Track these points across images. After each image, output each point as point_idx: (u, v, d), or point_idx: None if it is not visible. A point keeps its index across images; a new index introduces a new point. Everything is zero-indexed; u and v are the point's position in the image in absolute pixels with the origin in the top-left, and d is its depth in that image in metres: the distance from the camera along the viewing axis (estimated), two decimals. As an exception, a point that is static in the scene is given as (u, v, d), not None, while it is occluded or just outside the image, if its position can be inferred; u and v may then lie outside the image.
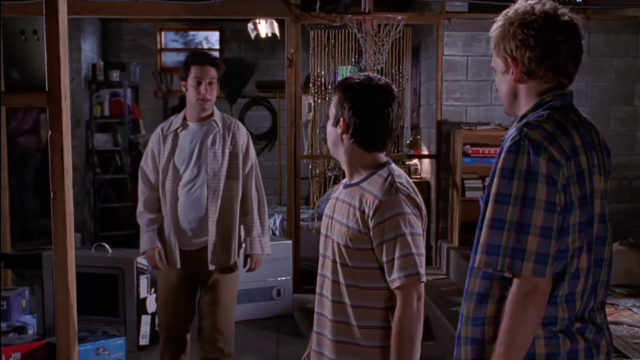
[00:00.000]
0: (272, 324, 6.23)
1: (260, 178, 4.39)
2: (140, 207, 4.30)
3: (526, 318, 1.94)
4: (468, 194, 7.11)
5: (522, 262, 1.91)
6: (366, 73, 2.59)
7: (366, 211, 2.42)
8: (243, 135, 4.30)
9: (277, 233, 8.09)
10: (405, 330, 2.40)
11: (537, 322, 1.96)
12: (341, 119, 2.50)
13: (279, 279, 6.51)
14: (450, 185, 7.48)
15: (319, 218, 7.46)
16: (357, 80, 2.51)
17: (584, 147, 2.04)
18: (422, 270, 2.43)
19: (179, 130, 4.22)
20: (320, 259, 2.63)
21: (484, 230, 1.98)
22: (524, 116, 2.11)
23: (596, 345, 2.07)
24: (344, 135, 2.52)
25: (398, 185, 2.46)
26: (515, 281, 1.94)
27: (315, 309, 2.64)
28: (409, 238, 2.40)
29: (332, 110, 2.55)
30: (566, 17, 2.10)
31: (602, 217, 2.11)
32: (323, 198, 7.83)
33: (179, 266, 4.21)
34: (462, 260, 6.69)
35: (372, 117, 2.49)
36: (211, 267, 4.19)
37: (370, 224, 2.41)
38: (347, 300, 2.48)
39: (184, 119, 4.25)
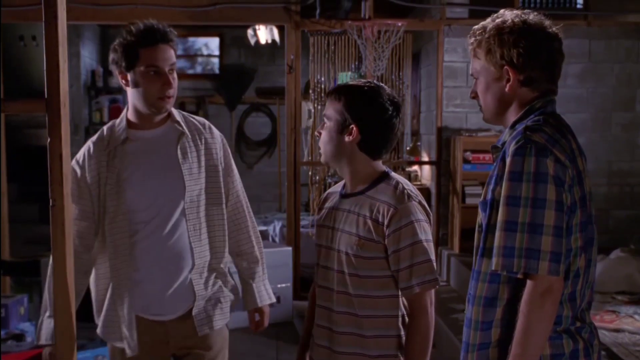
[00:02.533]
0: (272, 331, 6.19)
1: (246, 197, 3.19)
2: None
3: (543, 317, 1.97)
4: (468, 201, 7.11)
5: (538, 262, 1.94)
6: (368, 80, 2.56)
7: (380, 220, 2.41)
8: (218, 139, 3.04)
9: (277, 240, 8.07)
10: (422, 336, 2.41)
11: (552, 321, 2.00)
12: (352, 127, 2.46)
13: (279, 285, 6.49)
14: (451, 191, 7.47)
15: (319, 225, 7.44)
16: (366, 88, 2.48)
17: (578, 150, 2.11)
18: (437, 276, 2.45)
19: (125, 145, 2.88)
20: (321, 270, 2.58)
21: (497, 233, 2.00)
22: (515, 123, 2.15)
23: (591, 344, 2.12)
24: (352, 143, 2.48)
25: (409, 192, 2.46)
26: (530, 281, 1.97)
27: (316, 321, 2.62)
28: (425, 245, 2.41)
29: (335, 117, 2.49)
30: (553, 28, 2.17)
31: (592, 219, 2.15)
32: (323, 204, 7.80)
33: (137, 352, 2.87)
34: (462, 267, 6.66)
35: (385, 126, 2.48)
36: (202, 332, 2.92)
37: (386, 232, 2.40)
38: (356, 311, 2.46)
39: (128, 126, 2.92)
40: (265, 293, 3.26)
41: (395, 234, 2.39)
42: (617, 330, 4.95)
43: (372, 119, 2.46)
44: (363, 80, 2.54)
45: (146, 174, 2.85)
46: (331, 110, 2.51)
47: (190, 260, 2.88)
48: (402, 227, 2.39)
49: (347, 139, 2.47)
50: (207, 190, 2.95)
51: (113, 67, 2.93)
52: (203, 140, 2.97)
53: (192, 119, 3.02)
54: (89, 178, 2.85)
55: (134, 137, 2.89)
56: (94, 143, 2.91)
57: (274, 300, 3.35)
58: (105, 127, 2.96)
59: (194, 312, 2.89)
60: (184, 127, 2.93)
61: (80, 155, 2.89)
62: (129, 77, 2.86)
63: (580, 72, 7.44)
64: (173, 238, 2.86)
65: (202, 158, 2.94)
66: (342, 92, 2.50)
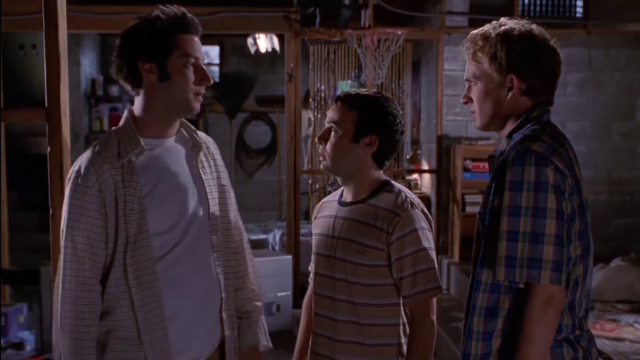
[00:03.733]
0: (272, 339, 6.17)
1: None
2: (73, 324, 2.22)
3: (546, 326, 1.98)
4: (468, 209, 7.10)
5: (540, 272, 1.95)
6: (376, 90, 2.56)
7: (384, 228, 2.40)
8: (218, 150, 2.61)
9: (277, 248, 8.07)
10: (424, 344, 2.40)
11: (554, 330, 2.01)
12: (372, 137, 2.45)
13: (279, 294, 6.48)
14: (451, 200, 7.47)
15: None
16: (382, 99, 2.48)
17: (575, 158, 2.12)
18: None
19: (140, 156, 2.31)
20: (321, 279, 2.57)
21: (499, 243, 2.01)
22: (512, 132, 2.16)
23: (589, 352, 2.13)
24: (367, 153, 2.47)
25: (412, 200, 2.46)
26: (533, 291, 1.98)
27: (315, 330, 2.60)
28: (429, 253, 2.41)
29: (348, 126, 2.46)
30: (553, 40, 2.20)
31: (589, 227, 2.16)
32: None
33: None
34: (462, 276, 6.65)
35: (399, 137, 2.51)
36: None
37: (390, 239, 2.39)
38: (359, 319, 2.45)
39: (135, 134, 2.33)
40: (262, 330, 2.68)
41: (399, 242, 2.38)
42: (617, 339, 4.94)
43: (390, 130, 2.47)
44: (372, 90, 2.53)
45: (168, 191, 2.34)
46: (342, 119, 2.47)
47: (219, 293, 2.43)
48: (405, 234, 2.38)
49: (363, 148, 2.46)
50: (223, 213, 2.50)
51: (133, 57, 2.34)
52: (212, 155, 2.54)
53: (189, 126, 2.52)
54: (106, 199, 2.25)
55: (148, 145, 2.33)
56: (100, 155, 2.28)
57: (269, 344, 2.72)
58: (107, 136, 2.36)
59: (228, 346, 2.49)
60: (200, 137, 2.49)
61: (83, 172, 2.26)
62: (157, 68, 2.29)
63: (580, 80, 7.44)
64: (201, 266, 2.40)
65: (215, 175, 2.50)
66: (355, 101, 2.47)
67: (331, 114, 2.50)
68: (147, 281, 2.27)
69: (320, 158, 2.54)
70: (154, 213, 2.29)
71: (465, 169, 7.18)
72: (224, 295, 2.44)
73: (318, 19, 7.24)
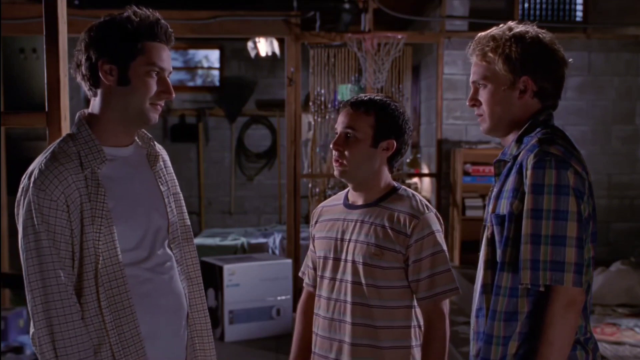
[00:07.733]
0: (271, 343, 6.19)
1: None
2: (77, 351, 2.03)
3: (567, 328, 1.99)
4: (468, 213, 7.11)
5: (563, 274, 1.97)
6: (387, 95, 2.59)
7: (401, 230, 2.42)
8: (168, 158, 2.45)
9: (277, 252, 8.07)
10: (440, 344, 2.40)
11: (575, 332, 2.03)
12: (389, 141, 2.48)
13: (279, 298, 6.48)
14: (451, 204, 7.47)
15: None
16: (396, 104, 2.51)
17: (585, 162, 2.12)
18: None
19: (102, 166, 2.15)
20: (328, 282, 2.55)
21: (523, 246, 2.02)
22: (522, 135, 2.16)
23: (594, 356, 2.13)
24: (384, 156, 2.50)
25: (427, 204, 2.49)
26: (554, 294, 1.99)
27: (320, 333, 2.57)
28: (446, 255, 2.43)
29: (367, 131, 2.46)
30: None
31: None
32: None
33: None
34: (463, 280, 6.64)
35: (410, 139, 2.57)
36: None
37: (408, 242, 2.41)
38: (374, 322, 2.44)
39: (95, 142, 2.17)
40: (211, 354, 2.45)
41: (418, 244, 2.40)
42: (617, 343, 4.94)
43: (405, 133, 2.51)
44: (381, 95, 2.55)
45: (133, 204, 2.21)
46: (360, 124, 2.47)
47: (186, 306, 2.34)
48: (424, 237, 2.40)
49: (381, 152, 2.49)
50: (181, 223, 2.39)
51: (93, 55, 2.21)
52: (166, 163, 2.41)
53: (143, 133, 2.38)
54: (71, 214, 2.10)
55: (109, 155, 2.19)
56: (62, 165, 2.10)
57: None
58: (64, 143, 2.17)
59: None
60: (156, 146, 2.35)
61: (46, 184, 2.10)
62: (117, 71, 2.17)
63: (580, 84, 7.45)
64: (171, 280, 2.28)
65: (171, 184, 2.38)
66: (372, 106, 2.48)
67: (345, 119, 2.49)
68: (120, 301, 2.12)
69: (337, 165, 2.51)
70: (120, 229, 2.15)
71: (466, 173, 7.19)
72: (188, 310, 2.34)
73: (318, 23, 7.25)
